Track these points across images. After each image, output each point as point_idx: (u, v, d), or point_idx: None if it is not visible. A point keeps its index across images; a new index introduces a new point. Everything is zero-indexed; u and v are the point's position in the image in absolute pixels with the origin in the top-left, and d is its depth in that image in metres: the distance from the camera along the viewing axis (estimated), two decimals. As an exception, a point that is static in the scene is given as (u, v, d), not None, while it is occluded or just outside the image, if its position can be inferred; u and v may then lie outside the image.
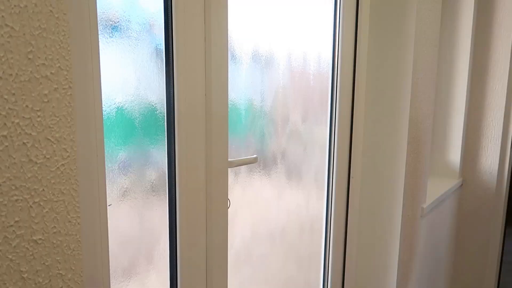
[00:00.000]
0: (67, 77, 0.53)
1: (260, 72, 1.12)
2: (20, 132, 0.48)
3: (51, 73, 0.51)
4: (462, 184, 2.30)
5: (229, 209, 1.01)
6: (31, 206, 0.51)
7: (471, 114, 2.24)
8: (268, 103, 1.17)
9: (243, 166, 1.10)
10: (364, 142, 1.47)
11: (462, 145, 2.20)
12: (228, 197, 0.99)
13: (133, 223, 0.87)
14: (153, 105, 0.87)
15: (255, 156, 1.04)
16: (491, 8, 2.11)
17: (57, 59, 0.51)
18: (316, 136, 1.40)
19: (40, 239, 0.52)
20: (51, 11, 0.50)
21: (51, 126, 0.52)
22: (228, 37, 0.99)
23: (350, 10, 1.38)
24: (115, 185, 0.82)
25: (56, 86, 0.52)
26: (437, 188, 1.93)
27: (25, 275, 0.51)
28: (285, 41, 1.20)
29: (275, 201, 1.28)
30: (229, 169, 1.06)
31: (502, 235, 2.48)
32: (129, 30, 0.80)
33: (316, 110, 1.39)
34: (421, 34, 1.38)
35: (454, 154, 2.17)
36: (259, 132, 1.18)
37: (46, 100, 0.51)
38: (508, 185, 2.33)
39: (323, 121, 1.43)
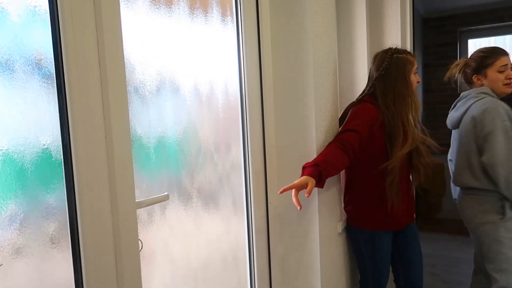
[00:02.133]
0: None
1: (168, 103, 1.12)
2: None
3: None
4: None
5: (142, 251, 0.97)
6: None
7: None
8: (178, 134, 1.16)
9: (157, 204, 1.07)
10: (278, 167, 1.52)
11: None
12: (140, 239, 0.95)
13: (32, 281, 0.79)
14: (47, 150, 0.82)
15: (166, 193, 1.02)
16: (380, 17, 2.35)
17: None
18: (231, 163, 1.42)
19: None
20: None
21: None
22: (131, 69, 0.97)
23: (252, 39, 1.45)
24: (5, 242, 0.74)
25: None
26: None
27: None
28: (191, 70, 1.21)
29: (195, 235, 1.25)
30: (142, 209, 1.02)
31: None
32: (14, 69, 0.75)
33: (228, 137, 1.41)
34: (319, 68, 1.48)
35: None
36: (171, 166, 1.16)
37: None
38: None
39: (236, 148, 1.45)
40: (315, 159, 1.38)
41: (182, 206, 1.19)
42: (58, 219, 0.83)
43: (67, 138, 0.83)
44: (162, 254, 1.12)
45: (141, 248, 0.96)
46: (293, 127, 1.49)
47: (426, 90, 5.04)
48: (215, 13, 1.30)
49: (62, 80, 0.82)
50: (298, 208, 1.24)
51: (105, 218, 0.84)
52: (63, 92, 0.82)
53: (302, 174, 1.32)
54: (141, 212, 1.03)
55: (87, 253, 0.82)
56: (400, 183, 1.56)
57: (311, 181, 1.28)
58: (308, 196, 1.26)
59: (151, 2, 1.05)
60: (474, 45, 4.90)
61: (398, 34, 2.34)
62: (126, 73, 0.95)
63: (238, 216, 1.46)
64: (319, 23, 1.46)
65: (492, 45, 5.11)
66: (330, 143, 1.48)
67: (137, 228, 0.92)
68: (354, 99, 1.67)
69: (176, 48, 1.15)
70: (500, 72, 1.79)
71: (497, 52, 1.80)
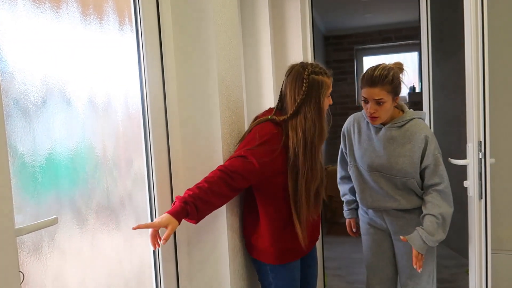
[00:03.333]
0: None
1: (57, 117, 1.01)
2: None
3: None
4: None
5: (23, 284, 0.85)
6: None
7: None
8: (70, 151, 1.06)
9: (45, 229, 0.95)
10: (185, 181, 1.47)
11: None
12: (21, 270, 0.83)
13: None
14: None
15: (54, 217, 0.92)
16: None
17: None
18: (133, 178, 1.34)
19: None
20: None
21: None
22: (8, 79, 0.86)
23: (154, 50, 1.39)
24: None
25: None
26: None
27: None
28: (85, 80, 1.12)
29: (92, 260, 1.15)
30: (25, 237, 0.90)
31: (321, 244, 2.82)
32: None
33: (130, 151, 1.33)
34: (223, 80, 1.48)
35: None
36: (63, 186, 1.05)
37: None
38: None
39: (139, 162, 1.37)
40: (191, 189, 1.25)
41: (76, 229, 1.08)
42: None
43: None
44: (52, 284, 1.00)
45: (23, 280, 0.84)
46: (199, 140, 1.46)
47: (328, 102, 5.39)
48: (111, 20, 1.23)
49: None
50: (153, 248, 1.17)
51: (-25, 250, 0.72)
52: None
53: (172, 205, 1.23)
54: (25, 240, 0.91)
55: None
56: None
57: (172, 225, 1.16)
58: (164, 243, 1.16)
59: (34, 4, 0.95)
60: (369, 62, 5.40)
61: (300, 49, 2.46)
62: (3, 83, 0.84)
63: (142, 235, 1.38)
64: (223, 36, 1.47)
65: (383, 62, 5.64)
66: (215, 172, 1.31)
67: (17, 258, 0.81)
68: (261, 111, 1.62)
69: (66, 56, 1.05)
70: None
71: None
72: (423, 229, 1.66)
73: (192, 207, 1.22)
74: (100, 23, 1.18)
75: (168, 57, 1.43)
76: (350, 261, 3.55)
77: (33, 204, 0.95)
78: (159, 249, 1.42)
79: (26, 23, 0.93)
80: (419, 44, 2.95)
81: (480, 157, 1.77)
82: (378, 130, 1.77)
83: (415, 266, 1.67)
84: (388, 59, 5.24)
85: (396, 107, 1.76)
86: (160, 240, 1.19)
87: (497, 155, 2.50)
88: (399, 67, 1.71)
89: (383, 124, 1.76)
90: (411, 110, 1.78)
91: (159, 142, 1.41)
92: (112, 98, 1.23)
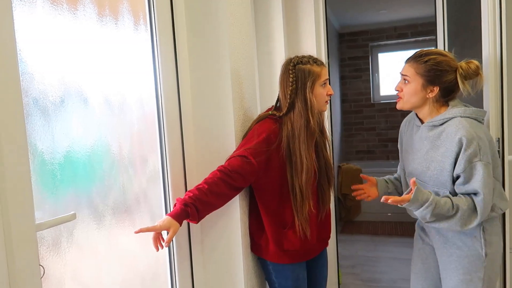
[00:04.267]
0: None
1: (75, 115, 1.04)
2: None
3: None
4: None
5: (44, 278, 0.88)
6: None
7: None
8: (87, 149, 1.09)
9: (64, 225, 0.98)
10: (198, 179, 1.49)
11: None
12: (41, 264, 0.86)
13: None
14: None
15: (72, 213, 0.94)
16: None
17: None
18: (148, 176, 1.36)
19: None
20: None
21: None
22: (28, 79, 0.89)
23: (168, 49, 1.41)
24: None
25: None
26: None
27: None
28: (102, 79, 1.14)
29: (108, 256, 1.17)
30: (45, 232, 0.93)
31: (335, 242, 2.81)
32: None
33: (145, 149, 1.36)
34: (237, 78, 1.49)
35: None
36: (81, 183, 1.08)
37: None
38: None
39: (154, 160, 1.40)
40: (191, 190, 1.26)
41: (93, 225, 1.11)
42: None
43: None
44: (71, 278, 1.03)
45: (43, 275, 0.87)
46: (212, 138, 1.47)
47: (343, 100, 5.36)
48: (126, 21, 1.25)
49: None
50: (155, 250, 1.17)
51: (-3, 244, 0.75)
52: None
53: (174, 207, 1.24)
54: (44, 235, 0.94)
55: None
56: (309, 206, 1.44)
57: (174, 228, 1.17)
58: (167, 246, 1.19)
59: (52, 5, 0.98)
60: (384, 59, 5.34)
61: (313, 46, 2.45)
62: (23, 83, 0.87)
63: (157, 232, 1.40)
64: (236, 34, 1.48)
65: (398, 60, 5.57)
66: (215, 172, 1.31)
67: (38, 252, 0.84)
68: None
69: (83, 56, 1.08)
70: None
71: None
72: (435, 197, 1.37)
73: (193, 208, 1.23)
74: (115, 24, 1.20)
75: (182, 56, 1.44)
76: (364, 259, 3.53)
77: (52, 201, 0.98)
78: (174, 246, 1.44)
79: (45, 24, 0.96)
80: (435, 40, 2.91)
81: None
82: (417, 129, 1.55)
83: (383, 198, 1.35)
84: (404, 55, 5.17)
85: (445, 103, 1.48)
86: (163, 242, 1.20)
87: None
88: (469, 66, 1.43)
89: (422, 121, 1.54)
90: (463, 107, 1.45)
91: (174, 141, 1.43)
92: (128, 97, 1.26)
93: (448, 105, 1.48)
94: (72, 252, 1.03)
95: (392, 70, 5.22)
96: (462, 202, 1.37)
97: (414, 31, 5.06)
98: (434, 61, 1.43)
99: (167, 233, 1.20)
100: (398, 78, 1.56)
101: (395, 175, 1.80)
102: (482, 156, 1.35)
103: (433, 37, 2.94)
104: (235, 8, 1.49)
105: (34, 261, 0.82)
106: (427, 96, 1.46)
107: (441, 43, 2.83)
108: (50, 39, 0.98)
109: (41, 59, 0.95)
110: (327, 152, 1.56)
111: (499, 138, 1.77)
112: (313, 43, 2.47)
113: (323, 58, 2.63)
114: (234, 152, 1.40)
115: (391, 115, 5.15)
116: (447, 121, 1.44)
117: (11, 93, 0.78)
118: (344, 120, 5.37)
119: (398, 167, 1.80)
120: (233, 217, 1.47)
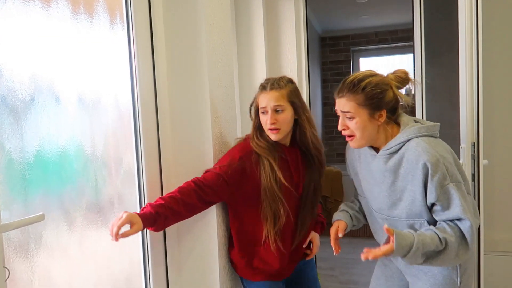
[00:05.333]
0: None
1: (46, 114, 1.01)
2: None
3: None
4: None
5: (9, 280, 0.85)
6: None
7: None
8: (59, 148, 1.06)
9: (32, 225, 0.95)
10: (176, 180, 1.47)
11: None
12: (6, 266, 0.84)
13: None
14: None
15: (40, 213, 0.92)
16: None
17: None
18: (123, 176, 1.34)
19: None
20: None
21: None
22: None
23: (145, 49, 1.40)
24: None
25: None
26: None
27: None
28: (75, 77, 1.12)
29: (80, 257, 1.15)
30: (12, 233, 0.90)
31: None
32: None
33: (120, 149, 1.34)
34: (215, 81, 1.49)
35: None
36: (52, 183, 1.05)
37: None
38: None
39: (129, 160, 1.38)
40: (163, 197, 1.25)
41: (64, 226, 1.08)
42: None
43: None
44: (39, 281, 1.00)
45: (8, 277, 0.84)
46: (189, 139, 1.46)
47: (324, 103, 5.41)
48: (102, 19, 1.23)
49: None
50: (112, 238, 1.09)
51: (-41, 246, 0.73)
52: None
53: (141, 210, 1.21)
54: (11, 236, 0.92)
55: None
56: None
57: (138, 227, 1.14)
58: (119, 239, 1.10)
59: (24, 1, 0.95)
60: (365, 63, 5.41)
61: (294, 50, 2.47)
62: (-10, 80, 0.84)
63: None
64: (215, 36, 1.47)
65: (378, 64, 5.65)
66: (189, 183, 1.32)
67: (3, 254, 0.81)
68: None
69: (56, 54, 1.06)
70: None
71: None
72: (419, 235, 1.22)
73: (161, 217, 1.21)
74: (90, 21, 1.18)
75: (159, 56, 1.43)
76: (343, 261, 3.56)
77: (21, 201, 0.95)
78: (149, 249, 1.42)
79: (15, 20, 0.94)
80: (413, 46, 2.97)
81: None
82: (373, 157, 1.39)
83: (363, 256, 1.21)
84: (384, 60, 5.26)
85: (394, 122, 1.36)
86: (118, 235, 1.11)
87: (490, 156, 2.51)
88: (398, 76, 1.34)
89: (376, 150, 1.38)
90: (412, 124, 1.33)
91: (150, 141, 1.41)
92: (102, 96, 1.24)
93: (399, 125, 1.35)
94: (41, 254, 1.00)
95: (372, 75, 5.28)
96: (448, 234, 1.23)
97: (394, 37, 5.15)
98: (371, 85, 1.28)
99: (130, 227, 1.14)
100: None
101: (356, 207, 1.65)
102: (452, 176, 1.24)
103: (412, 43, 3.00)
104: (215, 9, 1.48)
105: (-2, 263, 0.80)
106: (379, 123, 1.32)
107: (418, 49, 2.89)
108: (21, 35, 0.95)
109: (10, 56, 0.92)
110: (319, 184, 1.55)
111: (474, 143, 1.81)
112: (293, 46, 2.48)
113: (303, 61, 2.65)
114: (213, 166, 1.40)
115: (371, 119, 5.20)
116: (403, 144, 1.30)
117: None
118: (325, 123, 5.42)
119: (356, 197, 1.66)
120: (209, 221, 1.46)
